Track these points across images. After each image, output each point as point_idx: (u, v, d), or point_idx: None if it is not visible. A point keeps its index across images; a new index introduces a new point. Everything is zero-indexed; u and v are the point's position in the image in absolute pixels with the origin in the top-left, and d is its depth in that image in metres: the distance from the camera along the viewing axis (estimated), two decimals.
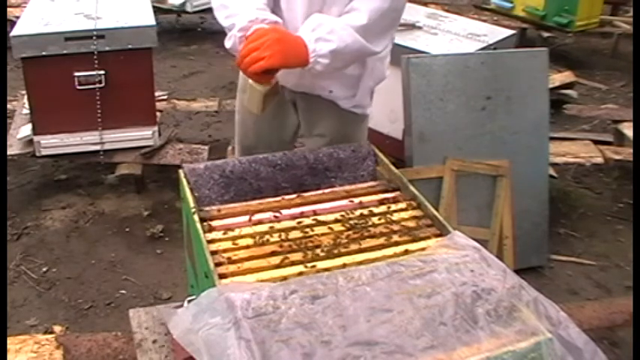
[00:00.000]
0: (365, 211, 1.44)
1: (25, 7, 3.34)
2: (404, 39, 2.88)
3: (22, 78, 2.90)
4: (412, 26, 3.07)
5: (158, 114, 3.26)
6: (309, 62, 1.50)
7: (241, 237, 1.34)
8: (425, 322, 1.04)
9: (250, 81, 1.52)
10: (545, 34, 5.16)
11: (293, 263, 1.26)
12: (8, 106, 3.42)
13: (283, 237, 1.34)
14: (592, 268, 2.82)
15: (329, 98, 1.75)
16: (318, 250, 1.29)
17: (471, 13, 5.39)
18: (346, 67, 1.65)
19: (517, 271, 1.19)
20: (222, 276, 1.21)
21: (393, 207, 1.45)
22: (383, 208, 1.45)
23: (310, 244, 1.31)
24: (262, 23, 1.50)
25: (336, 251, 1.29)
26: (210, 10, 5.24)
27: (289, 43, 1.48)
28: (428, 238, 1.35)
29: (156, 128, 3.10)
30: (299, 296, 1.07)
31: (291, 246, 1.31)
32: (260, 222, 1.39)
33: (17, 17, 3.47)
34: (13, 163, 3.24)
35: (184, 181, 1.50)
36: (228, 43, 1.57)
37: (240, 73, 1.91)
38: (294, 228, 1.37)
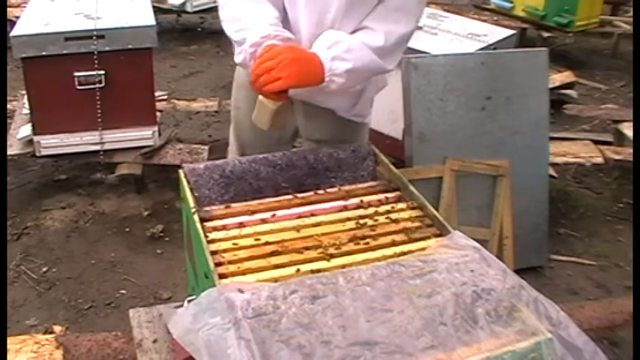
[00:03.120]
0: (365, 211, 1.44)
1: (25, 7, 3.34)
2: None
3: (22, 78, 2.90)
4: None
5: (158, 114, 3.26)
6: (324, 81, 1.48)
7: (241, 237, 1.34)
8: (425, 322, 1.04)
9: (260, 97, 1.48)
10: (545, 34, 5.16)
11: (293, 263, 1.26)
12: (8, 106, 3.42)
13: (283, 237, 1.34)
14: (592, 268, 2.82)
15: (328, 107, 1.73)
16: (318, 250, 1.30)
17: (471, 13, 5.38)
18: (358, 85, 1.64)
19: (517, 271, 1.19)
20: (222, 276, 1.21)
21: (393, 207, 1.45)
22: (383, 208, 1.45)
23: (310, 244, 1.31)
24: (275, 39, 1.47)
25: (336, 251, 1.30)
26: (210, 10, 5.31)
27: (305, 62, 1.46)
28: (428, 238, 1.35)
29: (156, 128, 3.10)
30: (299, 296, 1.07)
31: (291, 246, 1.31)
32: (260, 222, 1.39)
33: (17, 17, 3.47)
34: (13, 163, 3.24)
35: (184, 181, 1.50)
36: (238, 58, 1.54)
37: (237, 70, 1.89)
38: (293, 228, 1.37)
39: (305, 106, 1.76)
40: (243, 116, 1.88)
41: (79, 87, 2.86)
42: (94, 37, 2.79)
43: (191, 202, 1.42)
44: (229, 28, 1.57)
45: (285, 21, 1.60)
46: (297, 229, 1.37)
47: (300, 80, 1.45)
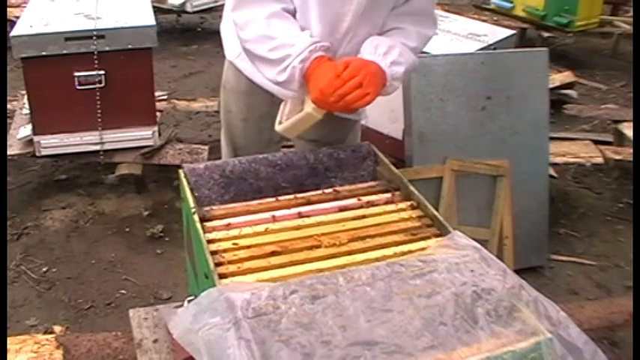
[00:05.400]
0: (365, 211, 1.44)
1: (25, 7, 3.33)
2: None
3: (22, 78, 2.90)
4: None
5: (158, 114, 3.26)
6: (384, 86, 1.52)
7: (241, 237, 1.34)
8: (425, 322, 1.04)
9: (310, 108, 1.48)
10: (545, 34, 5.16)
11: (293, 263, 1.26)
12: (8, 106, 3.42)
13: (283, 237, 1.34)
14: (592, 268, 2.82)
15: None
16: (318, 250, 1.30)
17: (471, 13, 5.38)
18: None
19: (517, 271, 1.19)
20: (222, 276, 1.21)
21: (393, 207, 1.45)
22: (383, 208, 1.45)
23: (310, 244, 1.31)
24: (320, 51, 1.48)
25: (336, 251, 1.30)
26: (210, 10, 5.30)
27: (378, 74, 1.49)
28: (428, 238, 1.35)
29: (156, 128, 3.10)
30: (299, 296, 1.07)
31: (291, 246, 1.31)
32: (260, 222, 1.39)
33: (17, 17, 3.47)
34: (13, 163, 3.24)
35: (184, 181, 1.50)
36: (281, 77, 1.50)
37: (225, 75, 1.86)
38: (294, 228, 1.37)
39: None
40: (235, 119, 1.88)
41: (79, 87, 2.85)
42: (94, 37, 2.79)
43: (191, 202, 1.42)
44: (260, 48, 1.52)
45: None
46: (297, 229, 1.37)
47: (380, 91, 1.49)
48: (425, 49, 2.76)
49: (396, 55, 1.51)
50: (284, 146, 2.03)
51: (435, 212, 1.40)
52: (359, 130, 1.89)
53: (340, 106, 1.45)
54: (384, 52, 1.51)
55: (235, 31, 1.60)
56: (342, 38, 1.56)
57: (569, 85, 3.92)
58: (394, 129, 2.88)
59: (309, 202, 1.47)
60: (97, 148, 3.00)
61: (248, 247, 1.31)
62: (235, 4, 1.56)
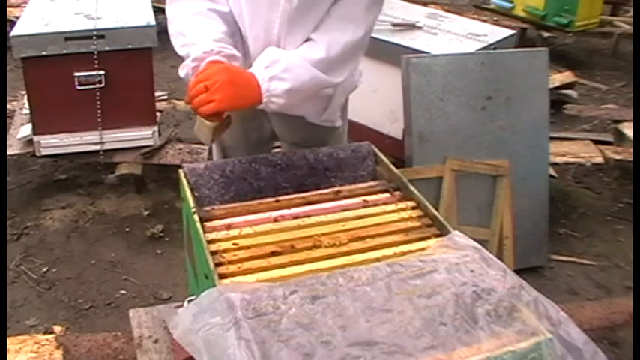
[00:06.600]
0: (365, 211, 1.44)
1: (25, 7, 3.34)
2: (404, 39, 2.88)
3: (22, 78, 2.90)
4: (412, 26, 3.07)
5: (158, 114, 3.26)
6: (261, 102, 1.45)
7: (241, 237, 1.34)
8: (425, 322, 1.04)
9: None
10: (545, 34, 5.17)
11: (293, 263, 1.26)
12: (8, 106, 3.42)
13: (283, 237, 1.34)
14: (592, 268, 2.82)
15: (296, 115, 1.71)
16: (318, 250, 1.30)
17: (471, 13, 5.38)
18: (304, 102, 1.61)
19: (517, 271, 1.19)
20: (222, 276, 1.21)
21: (393, 207, 1.45)
22: (383, 208, 1.45)
23: (310, 244, 1.31)
24: (218, 55, 1.46)
25: (336, 251, 1.30)
26: None
27: (240, 85, 1.42)
28: (428, 238, 1.34)
29: (156, 128, 3.10)
30: (299, 296, 1.07)
31: (291, 246, 1.31)
32: (260, 222, 1.39)
33: (17, 17, 3.47)
34: (13, 163, 3.24)
35: (184, 181, 1.50)
36: (181, 72, 1.53)
37: None
38: (294, 228, 1.37)
39: (275, 114, 1.72)
40: None
41: (79, 87, 2.85)
42: (94, 37, 2.79)
43: (191, 202, 1.42)
44: (175, 44, 1.56)
45: (239, 36, 1.59)
46: (297, 229, 1.37)
47: (233, 102, 1.42)
48: (425, 49, 2.80)
49: (278, 70, 1.44)
50: (274, 147, 2.03)
51: (435, 212, 1.40)
52: (343, 137, 1.87)
53: (192, 108, 1.42)
54: (266, 66, 1.45)
55: None
56: (277, 44, 1.54)
57: (569, 85, 3.92)
58: (394, 129, 2.88)
59: (309, 202, 1.47)
60: (97, 148, 3.00)
61: (248, 247, 1.31)
62: None
